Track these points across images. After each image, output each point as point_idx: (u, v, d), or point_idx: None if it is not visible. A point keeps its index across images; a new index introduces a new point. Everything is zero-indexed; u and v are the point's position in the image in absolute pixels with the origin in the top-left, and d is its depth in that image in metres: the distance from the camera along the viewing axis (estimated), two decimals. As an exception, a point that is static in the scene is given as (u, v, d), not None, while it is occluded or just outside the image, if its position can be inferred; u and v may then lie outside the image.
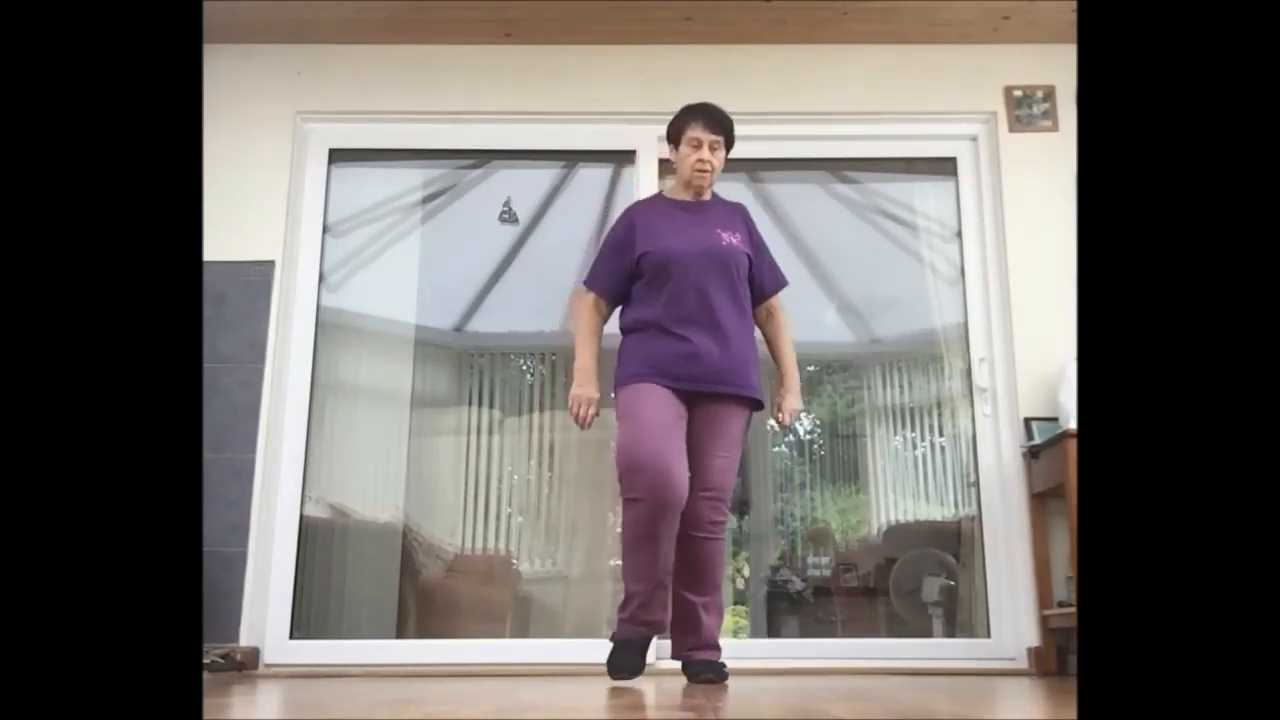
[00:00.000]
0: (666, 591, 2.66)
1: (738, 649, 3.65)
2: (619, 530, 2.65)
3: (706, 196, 2.89)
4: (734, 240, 2.79)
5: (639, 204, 2.95)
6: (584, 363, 2.79)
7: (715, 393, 2.69)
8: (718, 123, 2.82)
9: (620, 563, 2.67)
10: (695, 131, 2.81)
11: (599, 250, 2.90)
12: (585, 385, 2.75)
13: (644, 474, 2.54)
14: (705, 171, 2.81)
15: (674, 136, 2.88)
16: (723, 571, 2.73)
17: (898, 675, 3.01)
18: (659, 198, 2.96)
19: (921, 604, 3.69)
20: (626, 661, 2.64)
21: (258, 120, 3.79)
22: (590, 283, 2.87)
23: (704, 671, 2.62)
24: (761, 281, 2.87)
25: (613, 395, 2.78)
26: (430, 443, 3.99)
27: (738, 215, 2.90)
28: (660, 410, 2.63)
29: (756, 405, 2.78)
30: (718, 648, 2.71)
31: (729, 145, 2.87)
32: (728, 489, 2.72)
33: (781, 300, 2.93)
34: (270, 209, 3.70)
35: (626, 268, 2.80)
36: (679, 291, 2.70)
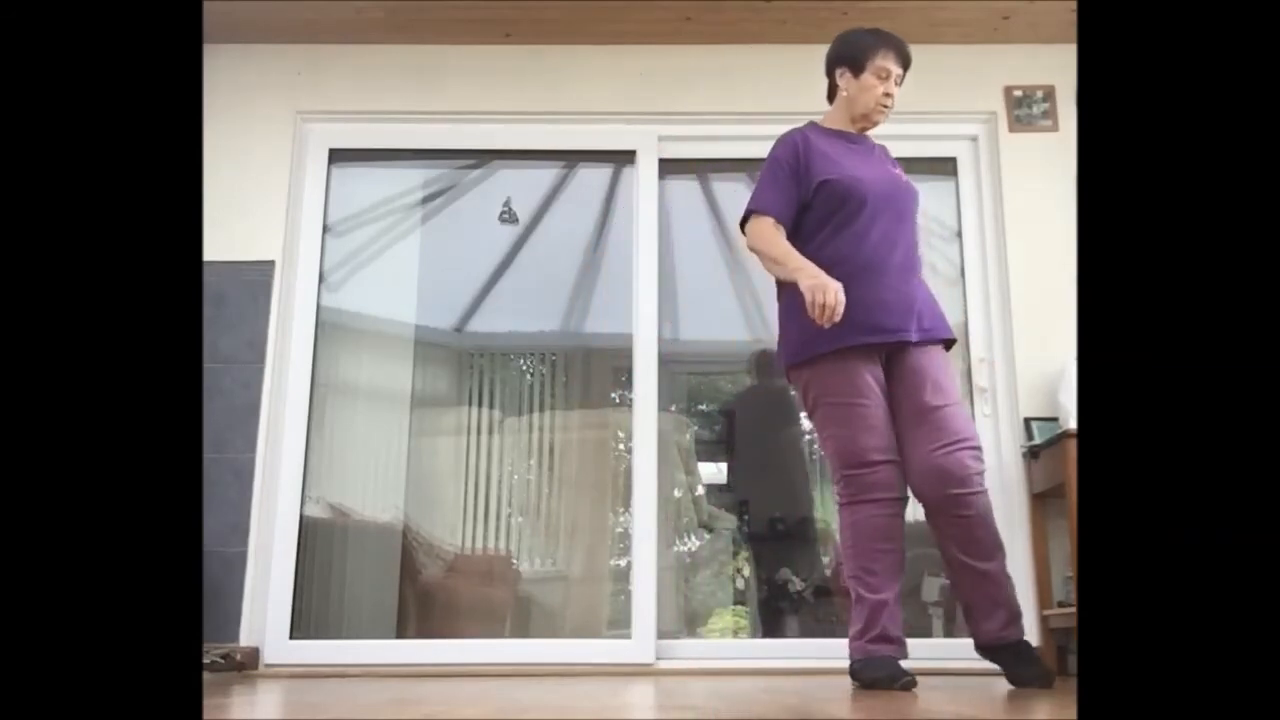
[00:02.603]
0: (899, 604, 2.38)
1: (738, 649, 3.66)
2: (845, 532, 2.37)
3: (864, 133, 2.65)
4: (898, 173, 2.58)
5: (797, 130, 2.61)
6: (802, 260, 2.37)
7: (913, 341, 2.43)
8: (906, 54, 2.58)
9: (851, 578, 2.37)
10: (886, 61, 2.54)
11: (762, 175, 2.57)
12: (820, 274, 2.31)
13: (877, 470, 2.35)
14: (887, 109, 2.57)
15: (855, 61, 2.57)
16: (996, 532, 2.39)
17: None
18: (815, 127, 2.65)
19: (921, 604, 3.69)
20: (892, 674, 2.26)
21: (258, 120, 3.79)
22: (761, 206, 2.50)
23: (1029, 665, 2.31)
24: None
25: (790, 371, 2.50)
26: (430, 443, 3.99)
27: (889, 157, 2.67)
28: (871, 391, 2.39)
29: (949, 345, 2.55)
30: (1020, 619, 2.37)
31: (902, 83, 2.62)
32: (974, 434, 2.41)
33: None
34: (270, 209, 3.70)
35: (800, 195, 2.49)
36: (867, 228, 2.44)
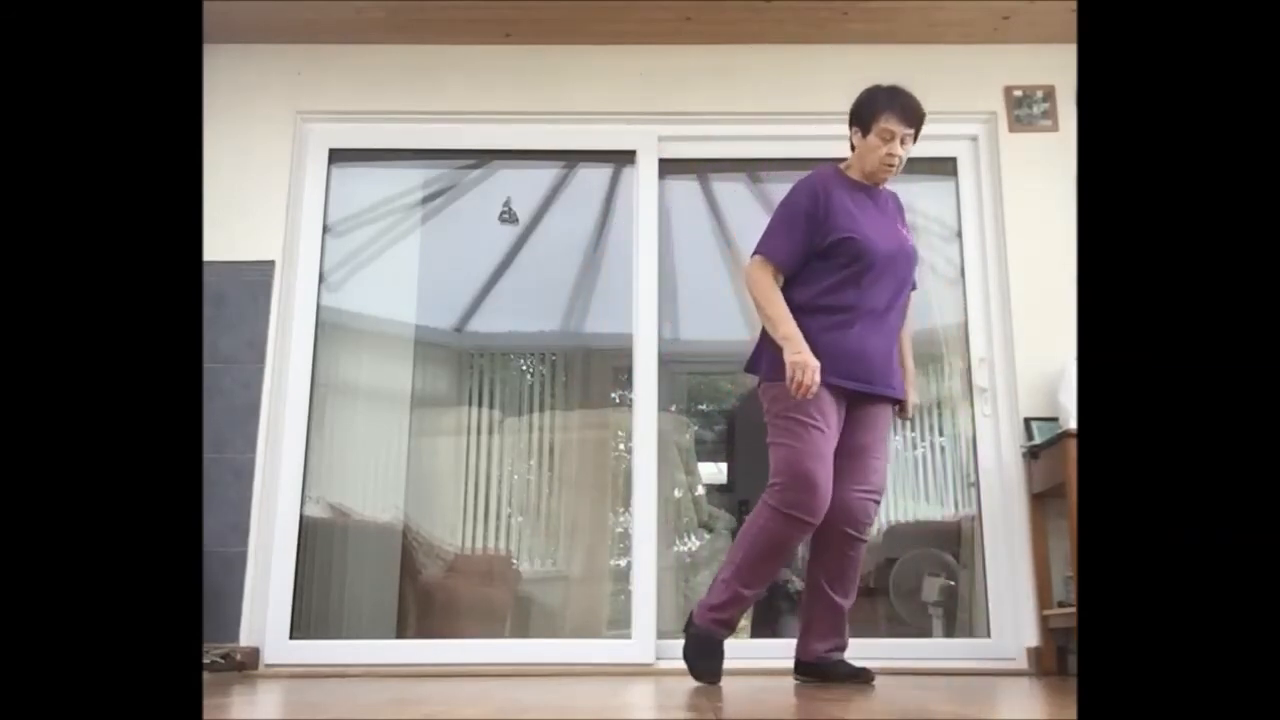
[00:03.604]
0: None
1: (738, 649, 3.65)
2: (758, 530, 2.55)
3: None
4: (910, 238, 2.74)
5: (820, 174, 2.71)
6: (792, 329, 2.54)
7: (876, 394, 2.65)
8: (914, 114, 2.65)
9: (736, 566, 2.57)
10: (890, 123, 2.62)
11: (779, 218, 2.68)
12: (805, 351, 2.51)
13: (816, 495, 2.50)
14: (893, 168, 2.66)
15: (863, 121, 2.68)
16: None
17: (898, 675, 3.01)
18: (837, 174, 2.73)
19: (921, 604, 3.69)
20: (716, 664, 2.55)
21: (258, 120, 3.79)
22: (770, 253, 2.64)
23: (859, 674, 2.59)
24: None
25: (764, 382, 2.66)
26: (430, 443, 3.99)
27: (900, 209, 2.80)
28: (832, 423, 2.57)
29: (900, 407, 2.77)
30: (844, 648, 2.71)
31: (916, 137, 2.71)
32: (883, 491, 2.71)
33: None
34: (270, 209, 3.70)
35: (813, 244, 2.62)
36: (873, 287, 2.59)
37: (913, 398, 2.78)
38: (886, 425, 2.71)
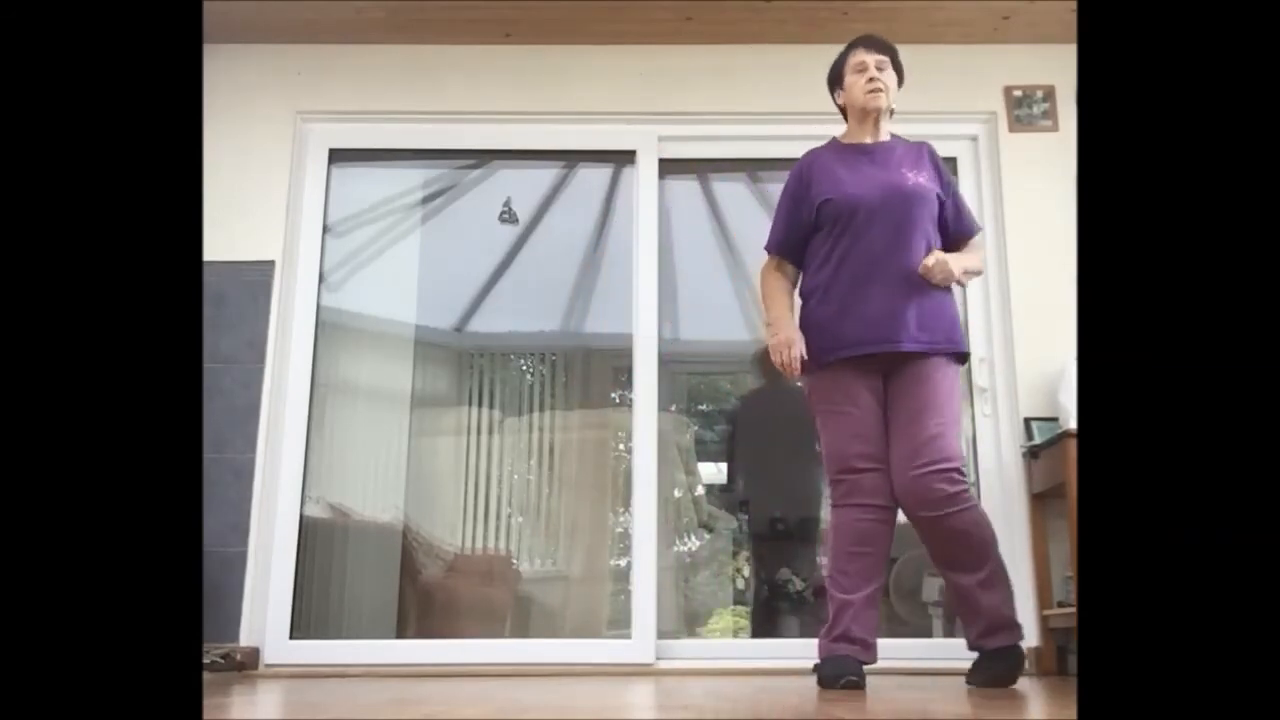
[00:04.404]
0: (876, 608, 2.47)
1: (738, 649, 3.66)
2: (831, 530, 2.42)
3: (885, 136, 2.66)
4: (920, 179, 2.54)
5: (812, 150, 2.70)
6: (776, 313, 2.56)
7: (916, 352, 2.45)
8: (878, 42, 2.67)
9: (829, 574, 2.45)
10: (857, 56, 2.65)
11: (777, 207, 2.69)
12: (783, 329, 2.51)
13: (861, 477, 2.43)
14: (879, 90, 2.60)
15: (836, 77, 2.72)
16: (990, 545, 2.39)
17: (898, 675, 3.01)
18: (833, 143, 2.72)
19: (921, 604, 3.68)
20: (847, 676, 2.32)
21: (258, 120, 3.79)
22: (769, 245, 2.66)
23: (994, 664, 2.35)
24: (955, 227, 2.61)
25: (800, 382, 2.61)
26: (430, 443, 3.99)
27: (923, 153, 2.65)
28: (861, 401, 2.46)
29: (961, 359, 2.53)
30: (1009, 628, 2.38)
31: (897, 68, 2.68)
32: (951, 456, 2.39)
33: (982, 249, 2.62)
34: (270, 209, 3.70)
35: (805, 220, 2.58)
36: (864, 243, 2.48)
37: (943, 258, 2.45)
38: (936, 384, 2.43)
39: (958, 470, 2.38)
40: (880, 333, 2.45)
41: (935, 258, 2.45)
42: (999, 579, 2.40)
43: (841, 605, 2.42)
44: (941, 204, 2.58)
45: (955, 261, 2.49)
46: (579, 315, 4.08)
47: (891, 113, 2.72)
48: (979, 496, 3.56)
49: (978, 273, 2.66)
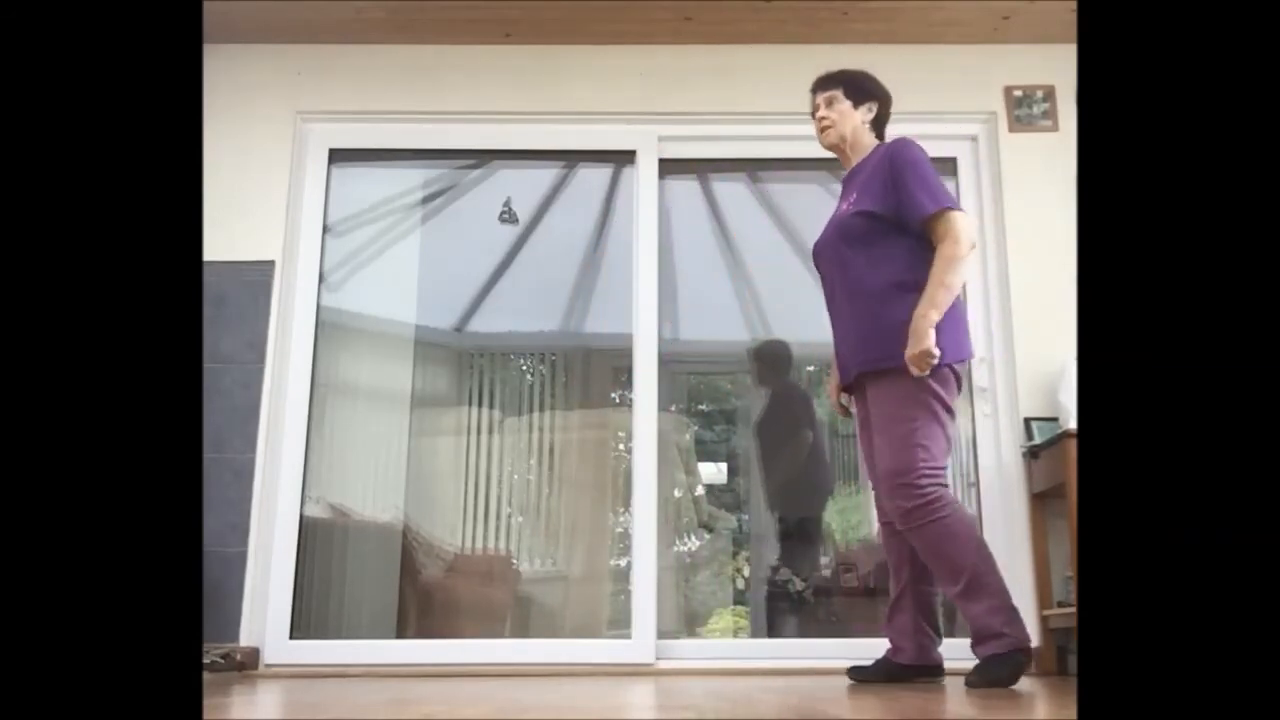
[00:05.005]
0: (904, 615, 2.61)
1: (738, 649, 3.66)
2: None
3: (855, 159, 2.75)
4: (848, 205, 2.62)
5: None
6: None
7: (866, 372, 2.55)
8: (822, 80, 2.81)
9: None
10: (811, 100, 2.83)
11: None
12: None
13: (876, 496, 2.66)
14: (826, 127, 2.75)
15: None
16: (958, 557, 2.39)
17: (898, 675, 3.00)
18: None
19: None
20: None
21: (258, 120, 3.79)
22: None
23: (987, 670, 2.35)
24: (903, 216, 2.54)
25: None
26: (430, 443, 3.99)
27: (873, 163, 2.65)
28: (863, 422, 2.70)
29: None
30: (993, 638, 2.37)
31: (854, 92, 2.75)
32: (901, 470, 2.42)
33: (957, 225, 2.47)
34: (270, 209, 3.70)
35: None
36: (824, 285, 2.73)
37: (910, 349, 2.40)
38: (881, 401, 2.50)
39: (914, 482, 2.41)
40: (842, 361, 2.67)
41: (908, 353, 2.41)
42: (980, 588, 2.38)
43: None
44: (894, 207, 2.54)
45: (921, 324, 2.40)
46: (579, 315, 4.07)
47: (881, 122, 2.82)
48: (979, 496, 3.56)
49: (950, 278, 2.44)
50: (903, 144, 2.62)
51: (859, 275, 2.57)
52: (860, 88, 2.76)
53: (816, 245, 2.75)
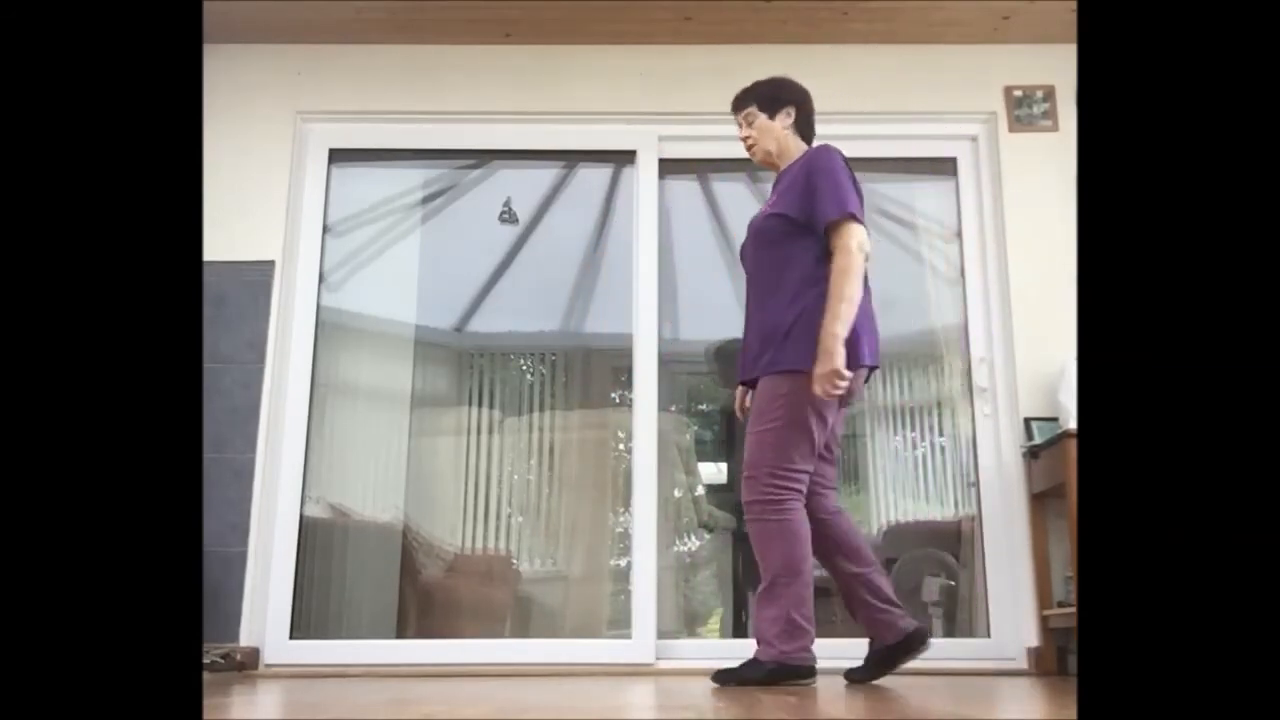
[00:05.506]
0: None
1: (738, 649, 3.65)
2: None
3: (784, 165, 2.80)
4: (768, 208, 2.71)
5: None
6: None
7: (761, 375, 2.62)
8: (739, 98, 2.87)
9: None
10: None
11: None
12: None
13: None
14: (750, 146, 2.84)
15: None
16: (770, 558, 2.48)
17: (897, 675, 3.01)
18: None
19: (921, 604, 3.69)
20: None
21: (258, 120, 3.79)
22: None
23: (725, 671, 2.49)
24: (812, 221, 2.59)
25: None
26: (430, 443, 3.99)
27: (795, 169, 2.70)
28: None
29: (787, 371, 2.54)
30: (763, 643, 2.48)
31: (767, 103, 2.81)
32: (752, 465, 2.54)
33: (849, 235, 2.52)
34: (270, 209, 3.70)
35: None
36: (748, 285, 2.77)
37: (826, 363, 2.42)
38: (759, 397, 2.59)
39: (759, 478, 2.52)
40: (746, 364, 2.72)
41: (817, 372, 2.44)
42: (774, 596, 2.47)
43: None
44: (808, 211, 2.59)
45: (829, 343, 2.43)
46: (579, 315, 4.07)
47: (805, 122, 2.86)
48: (979, 496, 3.56)
49: (849, 290, 2.47)
50: (821, 151, 2.68)
51: (768, 277, 2.67)
52: (771, 98, 2.82)
53: (740, 247, 2.83)
